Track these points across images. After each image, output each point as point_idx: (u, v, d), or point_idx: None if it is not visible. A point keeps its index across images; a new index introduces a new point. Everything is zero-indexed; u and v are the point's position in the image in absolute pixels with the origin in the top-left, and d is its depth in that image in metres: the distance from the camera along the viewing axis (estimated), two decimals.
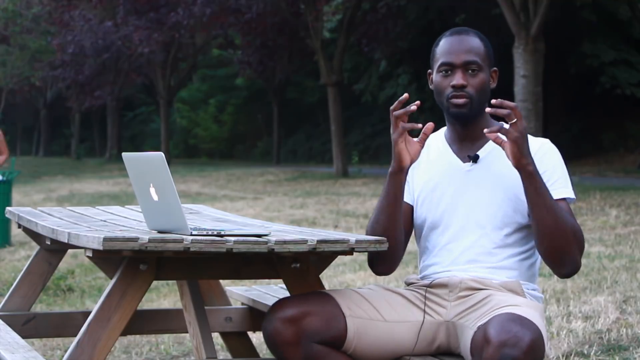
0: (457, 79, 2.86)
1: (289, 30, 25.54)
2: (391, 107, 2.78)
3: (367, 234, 2.87)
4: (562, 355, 4.28)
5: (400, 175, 2.83)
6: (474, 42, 2.91)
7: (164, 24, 27.35)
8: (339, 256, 3.00)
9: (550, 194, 2.75)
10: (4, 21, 36.02)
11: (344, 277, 7.10)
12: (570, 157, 18.68)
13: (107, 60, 32.36)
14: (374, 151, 30.60)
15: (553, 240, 2.74)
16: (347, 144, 26.92)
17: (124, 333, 3.21)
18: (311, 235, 2.81)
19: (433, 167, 2.96)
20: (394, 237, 2.84)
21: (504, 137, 2.71)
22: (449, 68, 2.88)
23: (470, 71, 2.87)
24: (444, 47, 2.91)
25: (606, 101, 24.04)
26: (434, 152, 2.99)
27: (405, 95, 2.74)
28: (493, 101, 2.70)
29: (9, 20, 36.00)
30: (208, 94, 40.97)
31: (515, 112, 2.68)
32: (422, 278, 2.98)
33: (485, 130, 2.75)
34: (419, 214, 2.98)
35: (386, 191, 2.86)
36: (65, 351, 3.16)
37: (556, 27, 21.58)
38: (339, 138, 22.51)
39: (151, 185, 2.75)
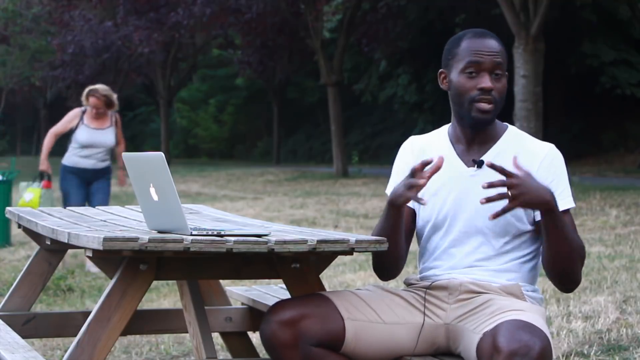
0: (486, 81, 2.79)
1: (289, 30, 25.54)
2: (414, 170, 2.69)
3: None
4: (562, 355, 4.28)
5: (403, 207, 2.79)
6: (498, 45, 2.84)
7: (164, 24, 27.36)
8: (339, 256, 3.00)
9: (567, 225, 2.72)
10: (4, 21, 36.00)
11: (344, 277, 7.09)
12: (570, 157, 18.67)
13: (107, 60, 32.33)
14: (374, 151, 30.61)
15: (565, 267, 2.76)
16: (347, 144, 26.93)
17: (124, 333, 3.21)
18: (311, 235, 2.81)
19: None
20: (397, 251, 2.84)
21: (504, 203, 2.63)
22: (475, 70, 2.81)
23: (495, 74, 2.81)
24: (470, 47, 2.82)
25: (606, 101, 24.04)
26: (436, 153, 2.88)
27: (439, 159, 2.66)
28: (483, 185, 2.60)
29: (9, 20, 35.98)
30: (208, 94, 40.98)
31: (512, 183, 2.59)
32: (422, 279, 2.98)
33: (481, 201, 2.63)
34: (421, 216, 2.96)
35: (390, 219, 2.80)
36: (65, 351, 3.16)
37: (556, 27, 21.57)
38: (339, 138, 22.51)
39: (151, 185, 2.74)
